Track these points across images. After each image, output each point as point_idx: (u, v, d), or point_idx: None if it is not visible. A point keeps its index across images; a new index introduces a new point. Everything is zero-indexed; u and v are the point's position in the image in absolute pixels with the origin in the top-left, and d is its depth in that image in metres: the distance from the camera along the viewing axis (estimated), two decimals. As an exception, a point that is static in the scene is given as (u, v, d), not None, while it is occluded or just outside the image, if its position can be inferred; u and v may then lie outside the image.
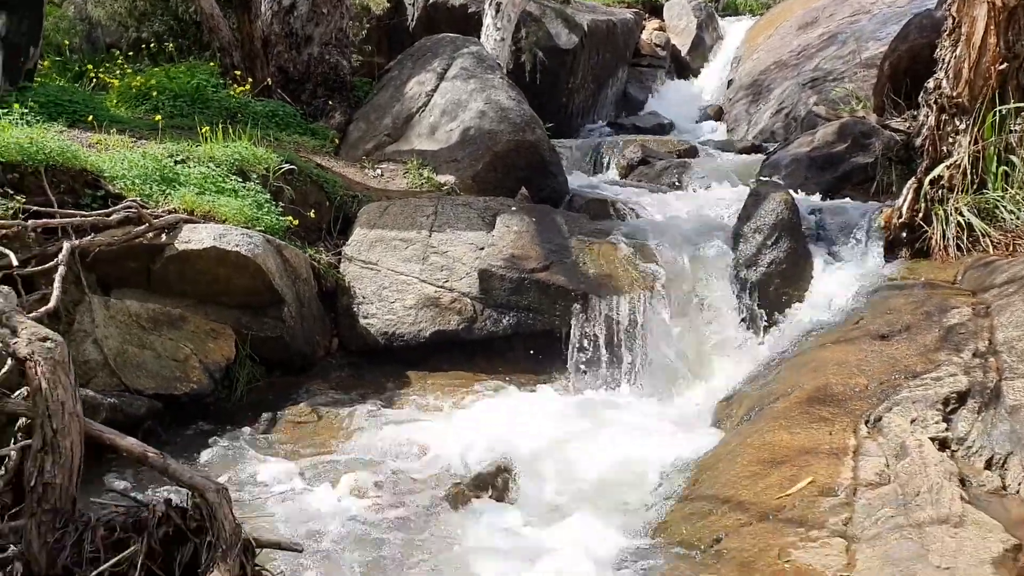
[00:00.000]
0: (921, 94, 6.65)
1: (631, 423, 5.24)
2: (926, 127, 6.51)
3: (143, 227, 5.52)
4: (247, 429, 5.22)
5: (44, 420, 2.29)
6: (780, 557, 3.56)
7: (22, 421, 3.09)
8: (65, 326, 5.06)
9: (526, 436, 4.97)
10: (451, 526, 4.17)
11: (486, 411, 5.43)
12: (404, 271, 6.44)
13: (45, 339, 2.40)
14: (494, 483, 4.48)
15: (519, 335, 6.19)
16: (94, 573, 2.10)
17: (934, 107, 6.35)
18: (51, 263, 4.91)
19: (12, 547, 2.33)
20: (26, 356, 2.36)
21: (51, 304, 4.54)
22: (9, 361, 2.51)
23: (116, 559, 2.11)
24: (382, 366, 6.13)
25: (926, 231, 6.20)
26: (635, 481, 4.53)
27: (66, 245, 5.08)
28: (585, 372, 5.93)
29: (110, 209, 5.52)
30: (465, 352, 6.19)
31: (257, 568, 2.28)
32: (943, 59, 6.28)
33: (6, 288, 2.58)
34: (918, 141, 6.75)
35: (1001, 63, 5.97)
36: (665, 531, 4.01)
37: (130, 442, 2.45)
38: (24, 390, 2.64)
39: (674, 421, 5.29)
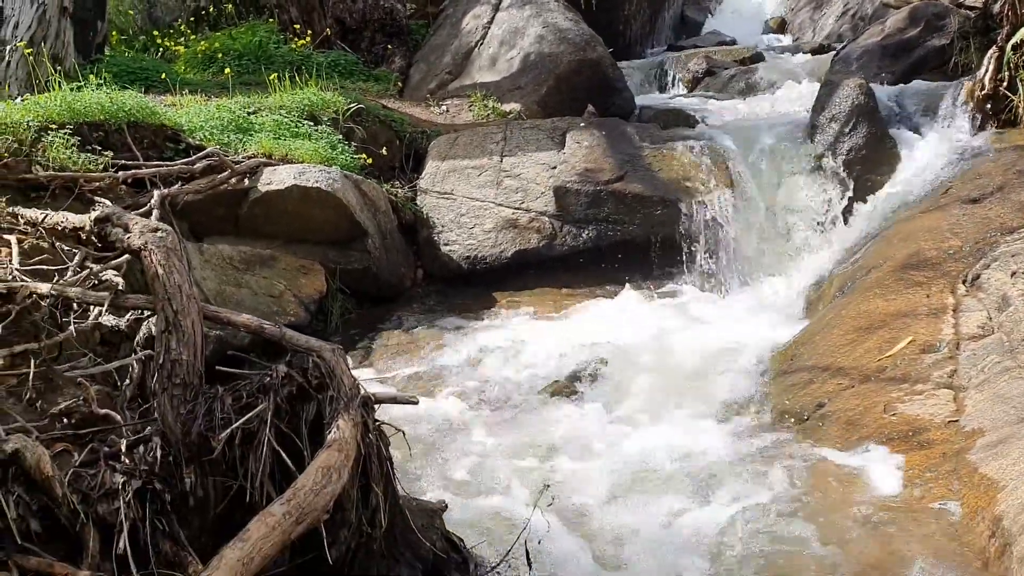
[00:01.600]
0: (995, -42, 6.38)
1: (722, 316, 5.25)
2: (1003, -8, 6.26)
3: (226, 173, 5.68)
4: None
5: (164, 303, 2.42)
6: (886, 412, 3.55)
7: (141, 335, 3.27)
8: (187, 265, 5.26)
9: (619, 336, 5.01)
10: (543, 418, 4.23)
11: (575, 319, 5.49)
12: (480, 197, 6.50)
13: (156, 230, 2.53)
14: (592, 377, 4.53)
15: (600, 247, 6.21)
16: (225, 432, 2.22)
17: (1011, -31, 6.09)
18: (144, 209, 5.08)
19: (148, 427, 2.47)
20: (140, 247, 2.49)
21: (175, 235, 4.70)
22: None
23: (246, 418, 2.22)
24: (468, 290, 6.23)
25: (1011, 100, 5.98)
26: (731, 365, 4.54)
27: (156, 193, 5.25)
28: (673, 275, 5.92)
29: (193, 158, 5.69)
30: (548, 269, 6.24)
31: (377, 423, 2.38)
32: (1016, -83, 6.01)
33: (105, 201, 2.71)
34: (996, 8, 6.50)
35: (1080, -88, 5.69)
36: (767, 404, 4.02)
37: (245, 318, 2.57)
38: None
39: (764, 310, 5.26)
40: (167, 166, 5.59)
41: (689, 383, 4.43)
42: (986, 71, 6.13)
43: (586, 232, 6.25)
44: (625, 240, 6.18)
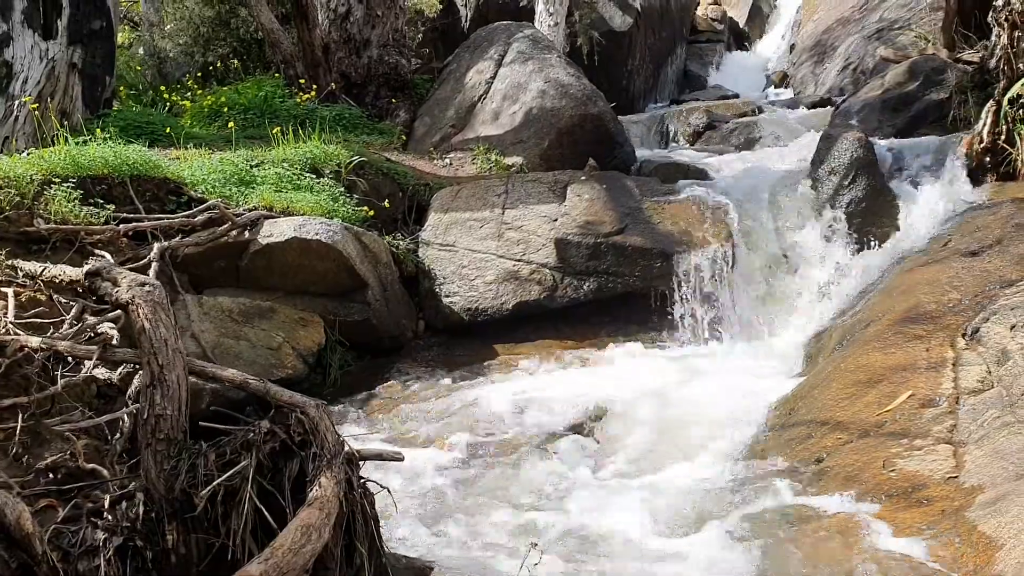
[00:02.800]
0: (990, 14, 6.44)
1: (721, 369, 5.22)
2: (999, 47, 6.32)
3: (226, 225, 5.72)
4: (343, 407, 5.34)
5: (150, 357, 2.41)
6: (885, 468, 3.50)
7: (133, 389, 3.26)
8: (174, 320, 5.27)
9: (618, 389, 4.98)
10: (546, 471, 4.19)
11: (575, 372, 5.47)
12: (481, 249, 6.52)
13: (143, 284, 2.53)
14: (590, 431, 4.50)
15: (601, 299, 6.21)
16: (208, 489, 2.20)
17: (1005, 25, 6.16)
18: (143, 262, 5.11)
19: (132, 483, 2.45)
20: (127, 300, 2.49)
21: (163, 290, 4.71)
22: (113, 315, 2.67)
23: (228, 475, 2.20)
24: (469, 342, 6.21)
25: (1010, 153, 6.00)
26: (729, 418, 4.49)
27: (156, 246, 5.30)
28: (673, 327, 5.91)
29: (194, 210, 5.73)
30: (549, 321, 6.24)
31: (362, 480, 2.35)
32: (1010, -26, 6.09)
33: (104, 254, 2.73)
34: (992, 63, 6.55)
35: (1072, -31, 5.76)
36: (764, 458, 3.97)
37: (230, 373, 2.56)
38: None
39: (764, 363, 5.24)
40: (168, 219, 5.63)
41: (687, 438, 4.38)
42: (984, 124, 6.16)
43: (587, 284, 6.26)
44: (625, 292, 6.19)
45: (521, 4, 12.75)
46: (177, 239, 5.59)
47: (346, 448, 2.30)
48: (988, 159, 6.13)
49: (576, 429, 4.53)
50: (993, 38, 6.58)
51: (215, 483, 2.21)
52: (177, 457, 2.35)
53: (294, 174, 6.50)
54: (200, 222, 5.72)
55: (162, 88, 9.21)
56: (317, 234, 5.68)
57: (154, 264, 5.10)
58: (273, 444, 2.28)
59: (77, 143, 5.97)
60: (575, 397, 4.87)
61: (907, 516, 3.21)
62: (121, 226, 5.36)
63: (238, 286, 5.85)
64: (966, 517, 3.02)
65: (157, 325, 2.42)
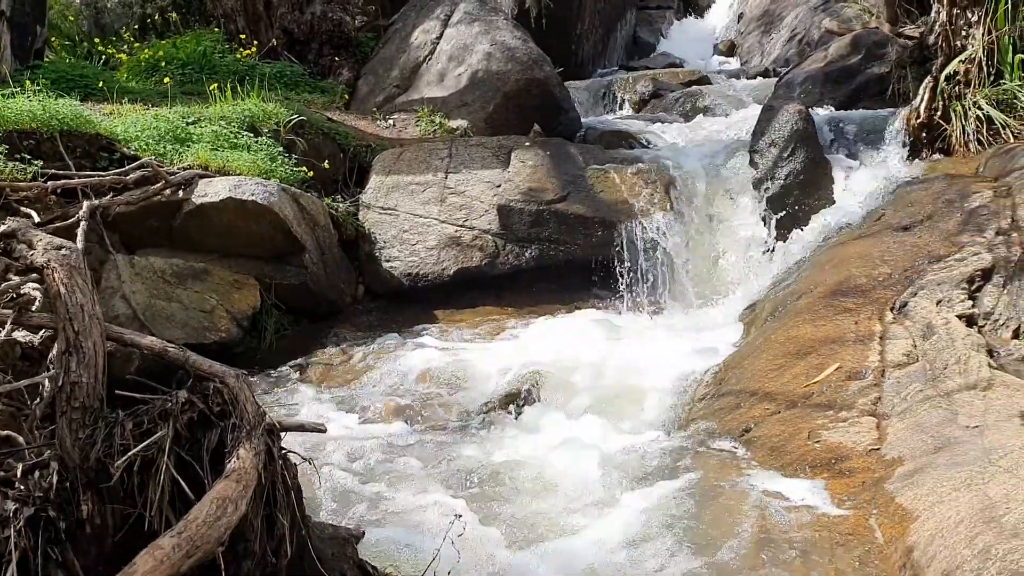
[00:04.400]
0: (931, -10, 6.52)
1: (657, 337, 5.26)
2: (938, 23, 6.40)
3: (160, 184, 5.58)
4: (278, 372, 5.29)
5: (66, 323, 2.34)
6: (810, 439, 3.57)
7: (54, 353, 3.17)
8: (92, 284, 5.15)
9: (556, 356, 5.00)
10: (477, 439, 4.21)
11: (514, 338, 5.47)
12: (423, 213, 6.46)
13: (60, 247, 2.45)
14: (524, 397, 4.51)
15: (542, 267, 6.21)
16: (124, 459, 2.15)
17: (944, 2, 6.22)
18: (72, 220, 4.97)
19: (48, 451, 2.39)
20: (43, 264, 2.41)
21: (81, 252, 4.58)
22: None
23: (145, 444, 2.15)
24: (409, 307, 6.17)
25: (945, 129, 6.09)
26: (662, 387, 4.54)
27: (85, 204, 5.15)
28: (613, 296, 5.93)
29: (126, 168, 5.58)
30: (490, 288, 6.22)
31: (283, 451, 2.33)
32: (950, -49, 6.14)
33: (31, 212, 2.63)
34: (931, 40, 6.64)
35: (1010, -51, 5.83)
36: (693, 427, 4.02)
37: (149, 340, 2.51)
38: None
39: (701, 332, 5.29)
40: (99, 176, 5.47)
41: (621, 405, 4.43)
42: (921, 100, 6.24)
43: (529, 251, 6.25)
44: (567, 260, 6.20)
45: (470, -36, 12.55)
46: (108, 197, 5.45)
47: (267, 419, 2.27)
48: (925, 135, 6.22)
49: (512, 398, 4.53)
50: (933, 15, 6.67)
51: (131, 453, 2.16)
52: (93, 426, 2.29)
53: (231, 132, 6.35)
54: (133, 180, 5.57)
55: (97, 40, 8.91)
56: (253, 194, 5.57)
57: (83, 223, 4.95)
58: (191, 414, 2.23)
59: (4, 95, 5.76)
60: (513, 365, 4.87)
61: (830, 487, 3.28)
62: (49, 183, 5.19)
63: (171, 247, 5.72)
64: (885, 489, 3.09)
65: (73, 290, 2.34)
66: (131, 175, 5.55)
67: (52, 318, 2.49)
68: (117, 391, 2.30)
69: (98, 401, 2.34)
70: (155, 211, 5.62)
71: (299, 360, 5.46)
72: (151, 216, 5.62)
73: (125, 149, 5.83)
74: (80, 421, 2.26)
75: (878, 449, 3.37)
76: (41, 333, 3.27)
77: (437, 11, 8.78)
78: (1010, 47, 5.95)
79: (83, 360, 2.28)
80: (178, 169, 5.77)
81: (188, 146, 6.06)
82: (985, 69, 6.01)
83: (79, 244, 4.67)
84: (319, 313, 6.03)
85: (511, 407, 4.49)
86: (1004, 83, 5.95)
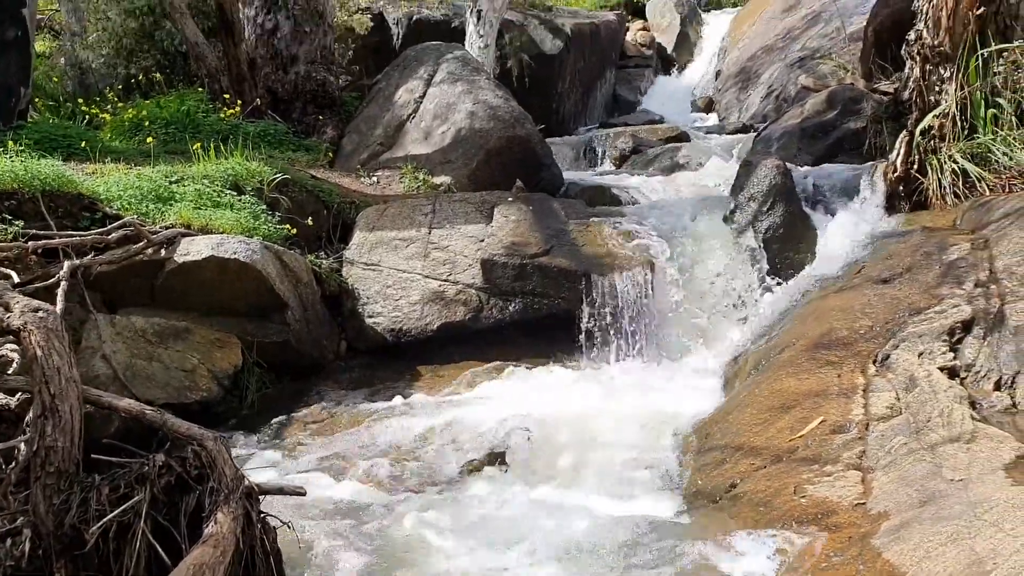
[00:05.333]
0: (903, 47, 6.65)
1: (642, 391, 5.25)
2: (912, 80, 6.54)
3: (142, 243, 5.57)
4: (259, 432, 5.23)
5: (42, 386, 2.31)
6: (796, 494, 3.55)
7: (31, 416, 3.13)
8: (72, 344, 5.10)
9: (539, 412, 4.95)
10: (462, 499, 4.16)
11: (499, 394, 5.43)
12: (407, 269, 6.47)
13: (37, 310, 2.43)
14: (508, 455, 4.47)
15: (526, 320, 6.20)
16: (99, 525, 2.11)
17: (918, 58, 6.37)
18: (52, 280, 4.94)
19: (21, 517, 2.34)
20: (20, 327, 2.39)
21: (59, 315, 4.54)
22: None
23: (120, 510, 2.12)
24: (393, 363, 6.14)
25: (922, 182, 6.18)
26: (647, 442, 4.52)
27: (66, 264, 5.13)
28: (595, 349, 5.93)
29: (108, 227, 5.57)
30: (475, 342, 6.19)
31: (262, 515, 2.29)
32: (921, 10, 6.31)
33: (10, 272, 2.62)
34: (905, 95, 6.77)
35: (978, 8, 5.99)
36: (681, 483, 3.99)
37: (127, 403, 2.48)
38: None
39: (684, 385, 5.28)
40: (80, 236, 5.46)
41: (607, 463, 4.39)
42: (898, 154, 6.34)
43: (513, 305, 6.24)
44: (551, 313, 6.19)
45: (453, 25, 12.78)
46: (90, 257, 5.42)
47: (245, 482, 2.24)
48: (902, 188, 6.31)
49: (495, 456, 4.49)
50: (906, 71, 6.80)
51: (107, 519, 2.12)
52: (68, 491, 2.25)
53: (215, 191, 6.37)
54: (115, 239, 5.56)
55: (81, 100, 8.96)
56: (235, 253, 5.57)
57: (63, 283, 4.92)
58: (169, 478, 2.20)
59: (-15, 157, 5.77)
60: (497, 423, 4.82)
61: (817, 544, 3.25)
62: (30, 243, 5.17)
63: (153, 305, 5.69)
64: (872, 544, 3.07)
65: (50, 353, 2.32)
66: (113, 234, 5.53)
67: (28, 381, 2.46)
68: (94, 455, 2.26)
69: (74, 465, 2.30)
70: (137, 270, 5.60)
71: (281, 419, 5.41)
72: (133, 275, 5.60)
73: (107, 208, 5.83)
74: (55, 487, 2.23)
75: (864, 503, 3.35)
76: (17, 396, 3.23)
77: (420, 71, 8.90)
78: (982, 102, 6.07)
79: (59, 424, 2.25)
80: (160, 228, 5.77)
81: (171, 205, 6.06)
82: (959, 123, 6.12)
83: (59, 304, 4.64)
84: (302, 370, 5.99)
85: (495, 466, 4.46)
86: (978, 137, 6.06)
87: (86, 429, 2.56)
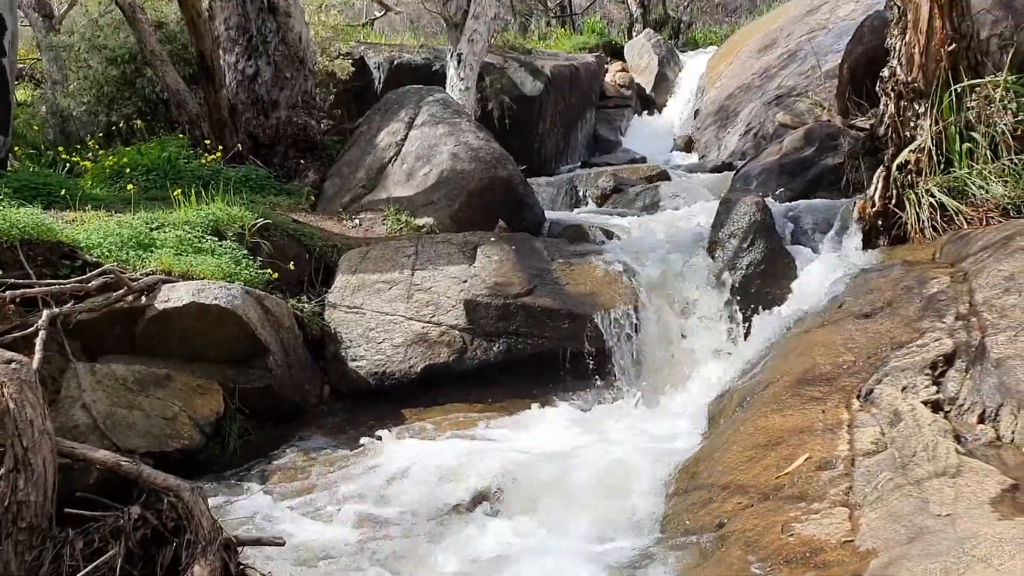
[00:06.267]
0: (878, 84, 6.74)
1: (627, 430, 5.22)
2: (887, 116, 6.61)
3: (122, 291, 5.54)
4: (242, 480, 5.16)
5: (14, 439, 2.27)
6: (784, 532, 3.51)
7: (0, 470, 3.07)
8: (52, 394, 5.04)
9: (526, 453, 4.93)
10: (446, 544, 4.10)
11: (483, 436, 5.40)
12: (390, 311, 6.45)
13: (10, 361, 2.40)
14: (493, 499, 4.42)
15: (510, 361, 6.18)
16: (73, 582, 2.07)
17: (892, 95, 6.45)
18: (31, 330, 4.89)
19: (-7, 575, 2.29)
20: (-7, 379, 2.36)
21: (34, 365, 4.49)
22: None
23: (94, 564, 2.07)
24: (375, 406, 6.09)
25: (900, 217, 6.23)
26: (634, 483, 4.48)
27: (45, 313, 5.08)
28: (581, 388, 5.91)
29: (88, 275, 5.54)
30: (459, 384, 6.16)
31: (241, 567, 2.24)
32: (894, 47, 6.41)
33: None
34: (881, 131, 6.83)
35: (949, 44, 6.08)
36: (667, 524, 3.97)
37: (102, 454, 2.44)
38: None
39: (669, 424, 5.26)
40: (59, 284, 5.42)
41: (593, 503, 4.34)
42: (876, 189, 6.39)
43: (497, 346, 6.23)
44: (535, 353, 6.18)
45: (433, 68, 12.91)
46: (69, 305, 5.38)
47: (223, 534, 2.19)
48: (880, 222, 6.35)
49: (480, 499, 4.45)
50: (881, 107, 6.88)
51: (81, 575, 2.07)
52: (41, 546, 2.20)
53: (195, 237, 6.35)
54: (95, 287, 5.52)
55: (61, 148, 8.96)
56: (216, 299, 5.54)
57: (42, 332, 4.87)
58: (145, 531, 2.16)
59: (-37, 206, 5.74)
60: (482, 465, 4.78)
61: (807, 582, 3.22)
62: (8, 292, 5.13)
63: (134, 353, 5.64)
64: (861, 582, 3.04)
65: (23, 405, 2.28)
66: (93, 282, 5.50)
67: (0, 434, 2.41)
68: (68, 508, 2.21)
69: (47, 520, 2.25)
70: (118, 318, 5.56)
71: (263, 466, 5.35)
72: (113, 323, 5.56)
73: (88, 256, 5.81)
74: (27, 542, 2.18)
75: (852, 541, 3.32)
76: (-8, 448, 3.18)
77: (402, 114, 8.95)
78: (957, 136, 6.14)
79: (31, 478, 2.21)
80: (141, 275, 5.74)
81: (151, 251, 6.04)
82: (935, 158, 6.18)
83: (37, 354, 4.59)
84: (284, 415, 5.93)
85: (480, 509, 4.40)
86: (954, 171, 6.11)
87: (63, 481, 2.51)
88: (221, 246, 6.37)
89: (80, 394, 5.19)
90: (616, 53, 17.94)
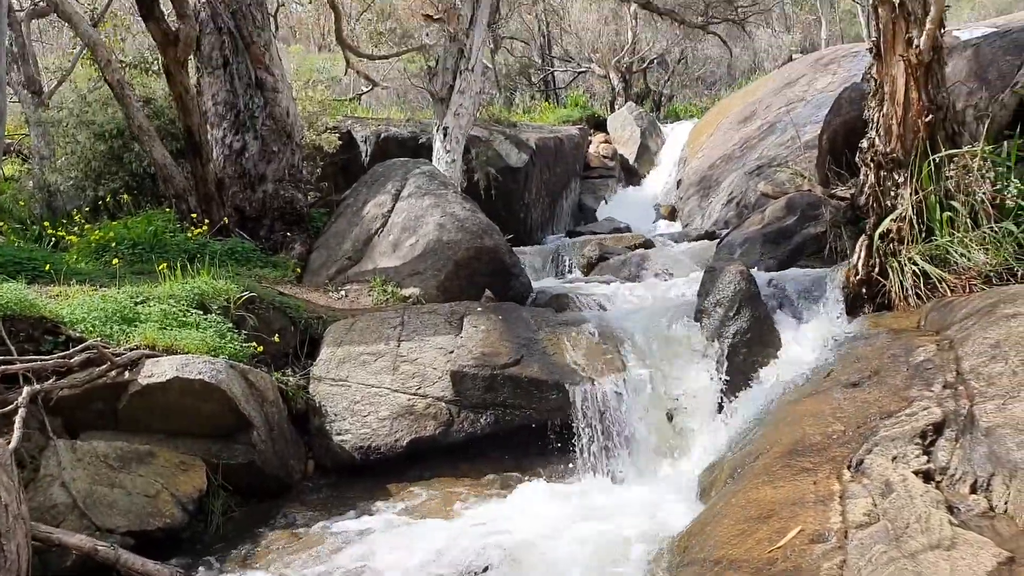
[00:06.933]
0: (857, 154, 6.84)
1: (616, 504, 5.15)
2: (867, 185, 6.69)
3: (105, 366, 5.49)
4: (224, 559, 5.04)
5: (-10, 524, 2.21)
6: (778, 608, 3.44)
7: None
8: (31, 472, 4.95)
9: (511, 533, 4.85)
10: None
11: (470, 511, 5.32)
12: (375, 383, 6.39)
13: (-11, 443, 2.35)
14: (481, 577, 4.33)
15: (498, 433, 6.13)
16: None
17: (872, 165, 6.54)
18: (10, 407, 4.82)
19: (-37, 667, 2.21)
20: (-31, 462, 2.31)
21: (12, 445, 4.41)
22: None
23: (69, 656, 2.00)
24: (361, 482, 6.00)
25: (884, 285, 6.26)
26: (625, 560, 4.40)
27: (26, 389, 5.03)
28: (570, 461, 5.85)
29: (70, 351, 5.48)
30: (446, 457, 6.09)
31: (222, 654, 2.17)
32: (872, 118, 6.52)
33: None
34: (862, 200, 6.91)
35: (926, 115, 6.20)
36: (660, 601, 3.88)
37: (78, 539, 2.37)
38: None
39: (659, 497, 5.19)
40: (41, 360, 5.37)
41: (581, 583, 4.27)
42: (859, 258, 6.44)
43: (484, 418, 6.17)
44: (522, 425, 6.12)
45: (420, 141, 13.07)
46: (51, 381, 5.33)
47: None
48: (864, 290, 6.39)
49: (468, 576, 4.36)
50: (861, 176, 6.98)
51: (54, 667, 2.00)
52: (15, 637, 2.13)
53: (180, 311, 6.32)
54: (77, 363, 5.47)
55: (47, 223, 8.96)
56: (200, 373, 5.49)
57: (21, 409, 4.81)
58: (123, 619, 2.09)
59: (-54, 282, 5.71)
60: (469, 543, 4.70)
61: (801, 660, 3.14)
62: (-12, 370, 5.07)
63: (117, 429, 5.55)
64: (858, 660, 2.97)
65: None
66: (75, 358, 5.45)
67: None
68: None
69: (22, 608, 2.18)
70: (100, 393, 5.49)
71: (247, 544, 5.23)
72: (96, 399, 5.49)
73: (71, 331, 5.76)
74: (0, 632, 2.10)
75: (848, 616, 3.26)
76: (-32, 531, 3.10)
77: (388, 186, 9.03)
78: (937, 205, 6.21)
79: (4, 564, 2.15)
80: (125, 350, 5.69)
81: (136, 326, 6.00)
82: (916, 226, 6.24)
83: (16, 432, 4.52)
84: (268, 491, 5.83)
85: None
86: (936, 239, 6.17)
87: (39, 564, 2.44)
88: (206, 319, 6.35)
89: (60, 472, 5.09)
90: (599, 125, 18.24)
